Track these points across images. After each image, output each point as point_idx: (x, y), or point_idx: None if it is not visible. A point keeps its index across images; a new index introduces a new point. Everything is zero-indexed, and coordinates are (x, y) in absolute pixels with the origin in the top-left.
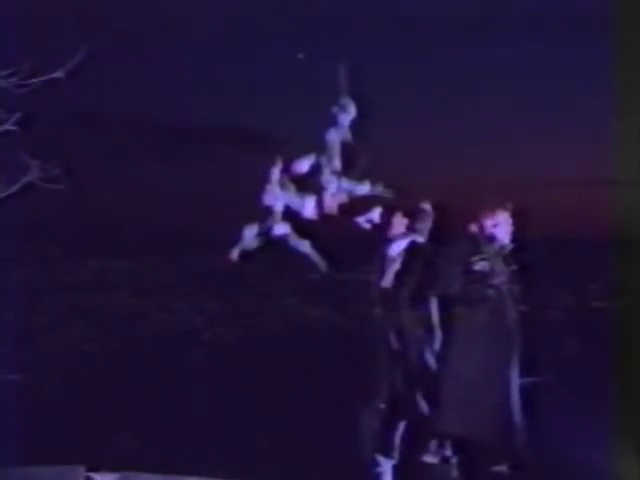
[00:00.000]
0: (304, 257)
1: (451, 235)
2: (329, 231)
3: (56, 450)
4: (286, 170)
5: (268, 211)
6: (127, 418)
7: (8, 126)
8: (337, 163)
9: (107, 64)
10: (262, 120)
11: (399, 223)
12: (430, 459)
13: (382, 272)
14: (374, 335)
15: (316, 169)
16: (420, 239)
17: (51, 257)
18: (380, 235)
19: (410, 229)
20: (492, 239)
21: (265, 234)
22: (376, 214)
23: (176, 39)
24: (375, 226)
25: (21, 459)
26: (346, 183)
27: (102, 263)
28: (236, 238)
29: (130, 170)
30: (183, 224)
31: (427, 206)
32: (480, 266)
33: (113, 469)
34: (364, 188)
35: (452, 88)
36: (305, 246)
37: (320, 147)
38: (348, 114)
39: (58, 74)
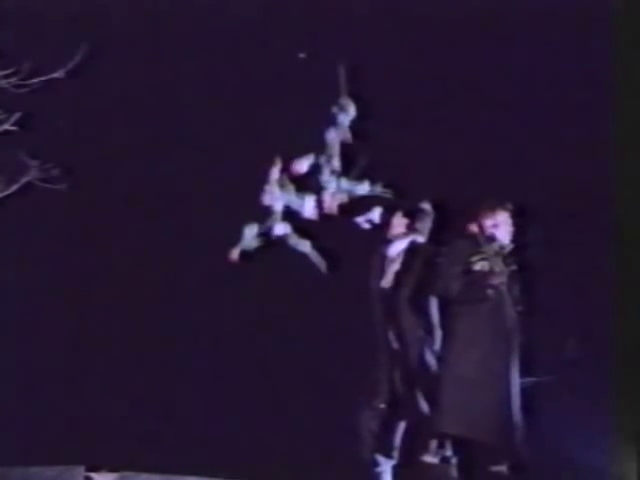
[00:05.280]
0: (304, 257)
1: (451, 235)
2: (329, 231)
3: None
4: (286, 170)
5: (268, 211)
6: (126, 416)
7: (8, 126)
8: (337, 163)
9: (107, 64)
10: (262, 120)
11: (399, 223)
12: (430, 459)
13: (382, 272)
14: (374, 335)
15: (316, 169)
16: (420, 239)
17: (49, 257)
18: (380, 235)
19: (410, 229)
20: (492, 239)
21: (265, 234)
22: (376, 214)
23: (176, 38)
24: (375, 226)
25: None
26: (346, 183)
27: (100, 263)
28: (236, 238)
29: (129, 170)
30: (182, 224)
31: (427, 206)
32: (480, 266)
33: (113, 469)
34: (364, 188)
35: (452, 87)
36: (305, 246)
37: (320, 147)
38: (348, 114)
39: (58, 74)
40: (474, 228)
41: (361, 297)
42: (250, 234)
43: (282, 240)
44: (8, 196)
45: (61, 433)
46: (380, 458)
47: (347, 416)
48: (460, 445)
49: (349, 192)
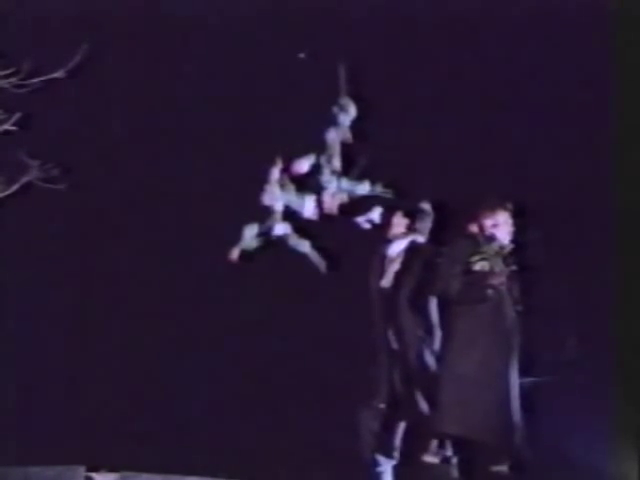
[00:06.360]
0: (304, 257)
1: (451, 235)
2: (329, 231)
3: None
4: (286, 170)
5: (268, 211)
6: (126, 416)
7: (8, 126)
8: (337, 163)
9: (107, 64)
10: (262, 120)
11: (399, 223)
12: (430, 459)
13: (382, 272)
14: (374, 335)
15: (316, 169)
16: (420, 239)
17: (49, 257)
18: (380, 235)
19: (410, 229)
20: (492, 239)
21: (265, 234)
22: (376, 214)
23: (176, 38)
24: (375, 226)
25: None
26: (346, 183)
27: (101, 263)
28: (236, 238)
29: (129, 170)
30: (182, 224)
31: (427, 206)
32: (480, 266)
33: (113, 469)
34: (364, 188)
35: (452, 87)
36: (305, 246)
37: (320, 147)
38: (348, 114)
39: (58, 74)
40: (474, 228)
41: (361, 297)
42: (250, 234)
43: (282, 240)
44: (8, 196)
45: (61, 433)
46: (380, 458)
47: (347, 416)
48: (460, 445)
49: (349, 192)
